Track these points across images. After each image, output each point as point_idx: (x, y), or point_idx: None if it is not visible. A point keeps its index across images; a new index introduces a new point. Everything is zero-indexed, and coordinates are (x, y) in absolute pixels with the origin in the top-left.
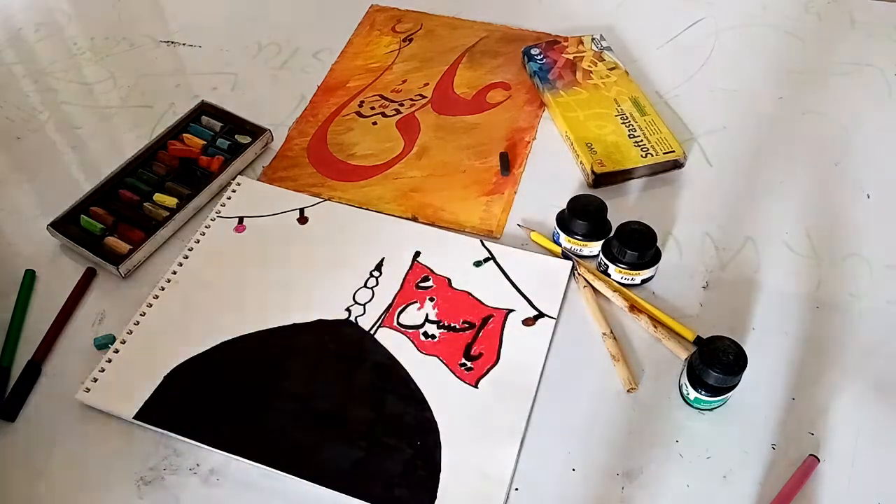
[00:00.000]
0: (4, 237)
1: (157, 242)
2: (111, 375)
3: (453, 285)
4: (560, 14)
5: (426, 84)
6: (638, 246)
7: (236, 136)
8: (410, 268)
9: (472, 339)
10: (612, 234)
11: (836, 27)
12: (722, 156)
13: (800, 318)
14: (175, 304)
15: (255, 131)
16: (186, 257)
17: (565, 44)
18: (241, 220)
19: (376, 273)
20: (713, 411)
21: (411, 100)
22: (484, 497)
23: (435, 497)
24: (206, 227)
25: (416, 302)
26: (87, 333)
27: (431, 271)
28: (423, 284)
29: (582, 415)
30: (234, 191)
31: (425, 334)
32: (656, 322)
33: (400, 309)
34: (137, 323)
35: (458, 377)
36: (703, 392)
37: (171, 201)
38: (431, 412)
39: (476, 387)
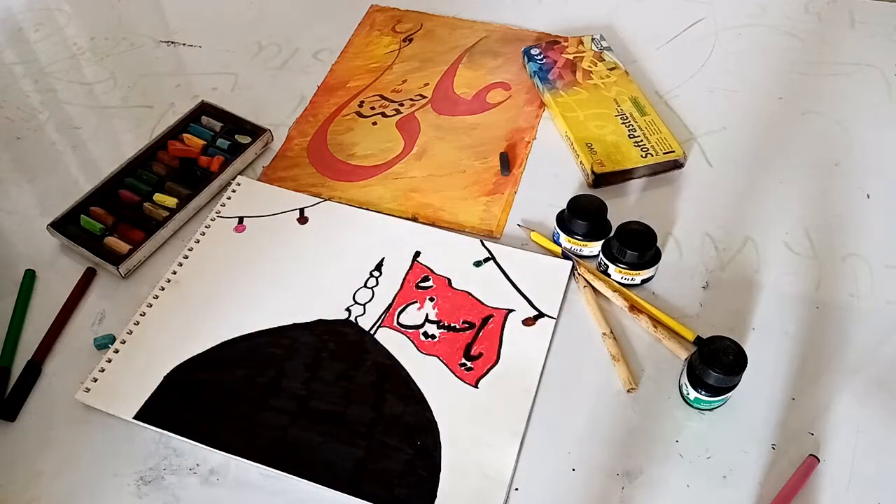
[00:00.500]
0: (4, 237)
1: (157, 242)
2: (111, 375)
3: (453, 285)
4: (560, 14)
5: (426, 84)
6: (638, 246)
7: (236, 136)
8: (410, 268)
9: (472, 339)
10: (612, 234)
11: (835, 27)
12: (722, 156)
13: (800, 318)
14: (175, 304)
15: (255, 131)
16: (186, 257)
17: (565, 44)
18: (241, 220)
19: (376, 273)
20: (713, 411)
21: (411, 100)
22: (484, 497)
23: (435, 497)
24: (206, 227)
25: (416, 302)
26: (87, 333)
27: (431, 271)
28: (423, 284)
29: (582, 415)
30: (234, 191)
31: (425, 334)
32: (656, 322)
33: (400, 309)
34: (137, 323)
35: (458, 377)
36: (703, 392)
37: (171, 201)
38: (431, 412)
39: (476, 387)
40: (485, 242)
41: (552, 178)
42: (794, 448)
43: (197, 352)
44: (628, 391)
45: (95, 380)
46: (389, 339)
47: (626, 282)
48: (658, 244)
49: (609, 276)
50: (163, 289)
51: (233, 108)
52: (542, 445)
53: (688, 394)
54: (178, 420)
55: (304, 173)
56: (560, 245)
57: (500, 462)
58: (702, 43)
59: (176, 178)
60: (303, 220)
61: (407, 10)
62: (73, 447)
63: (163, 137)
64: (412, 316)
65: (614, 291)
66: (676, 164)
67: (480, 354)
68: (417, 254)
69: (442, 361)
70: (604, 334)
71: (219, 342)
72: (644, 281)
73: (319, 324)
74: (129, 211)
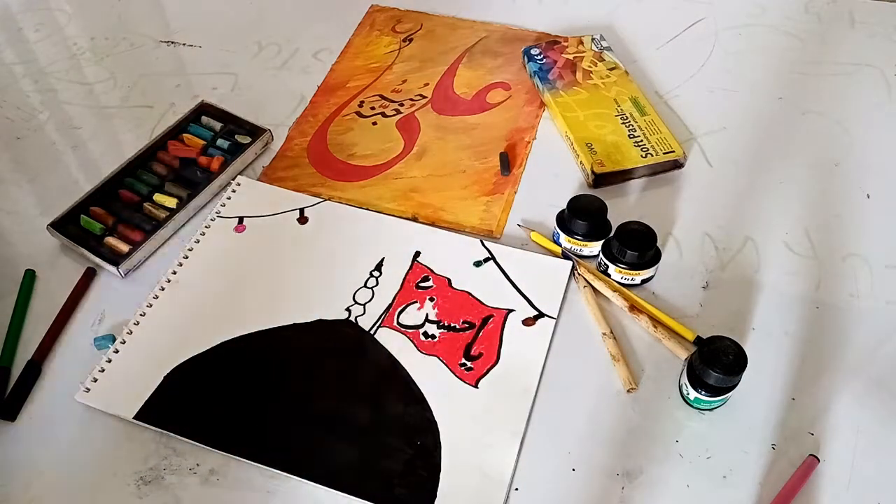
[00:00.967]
0: (4, 237)
1: (157, 242)
2: (111, 375)
3: (453, 285)
4: (560, 14)
5: (426, 84)
6: (638, 246)
7: (236, 136)
8: (410, 268)
9: (472, 339)
10: (612, 234)
11: (835, 27)
12: (722, 156)
13: (800, 318)
14: (175, 304)
15: (255, 131)
16: (186, 257)
17: (565, 44)
18: (241, 220)
19: (376, 273)
20: (713, 411)
21: (411, 100)
22: (484, 497)
23: (435, 497)
24: (206, 227)
25: (416, 302)
26: (87, 333)
27: (431, 271)
28: (423, 284)
29: (582, 415)
30: (234, 191)
31: (425, 334)
32: (656, 322)
33: (400, 309)
34: (137, 323)
35: (458, 377)
36: (703, 392)
37: (171, 201)
38: (431, 412)
39: (476, 387)
40: (485, 242)
41: (552, 178)
42: (794, 448)
43: (197, 352)
44: (628, 391)
45: (95, 380)
46: (389, 340)
47: (626, 282)
48: (658, 244)
49: (609, 276)
50: (163, 289)
51: (233, 108)
52: (542, 445)
53: (688, 394)
54: (178, 420)
55: (303, 173)
56: (560, 245)
57: (500, 462)
58: (702, 43)
59: (176, 179)
60: (303, 220)
61: (407, 10)
62: (73, 447)
63: (163, 137)
64: (412, 316)
65: (614, 291)
66: (676, 164)
67: (480, 354)
68: (417, 254)
69: (442, 361)
70: (604, 334)
71: (219, 342)
72: (644, 281)
73: (319, 324)
74: (129, 211)
